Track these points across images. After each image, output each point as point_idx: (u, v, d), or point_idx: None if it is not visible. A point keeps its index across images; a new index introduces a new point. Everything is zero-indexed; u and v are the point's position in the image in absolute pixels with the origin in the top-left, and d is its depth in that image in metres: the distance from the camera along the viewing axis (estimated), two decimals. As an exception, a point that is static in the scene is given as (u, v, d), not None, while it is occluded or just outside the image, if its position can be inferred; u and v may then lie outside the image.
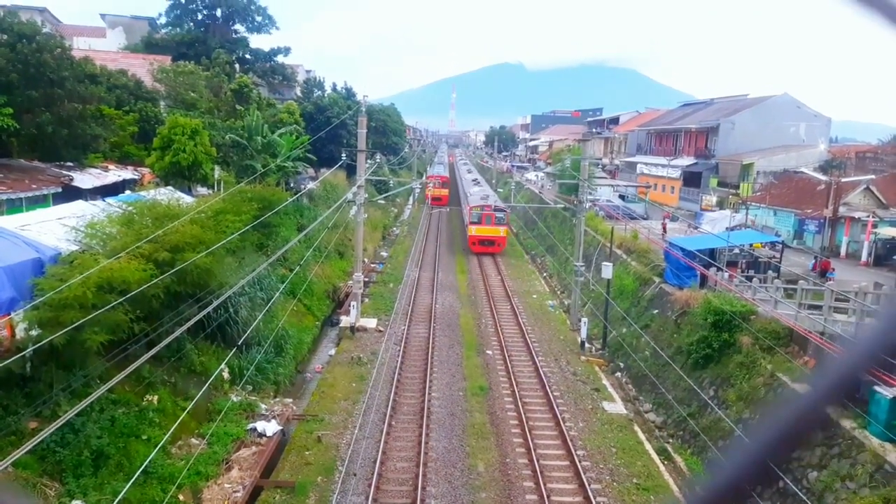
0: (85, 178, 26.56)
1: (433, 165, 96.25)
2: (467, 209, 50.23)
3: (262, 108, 40.48)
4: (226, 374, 19.90)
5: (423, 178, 74.57)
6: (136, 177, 30.31)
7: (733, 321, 19.58)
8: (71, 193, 24.28)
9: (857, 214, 33.44)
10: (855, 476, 13.16)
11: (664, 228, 35.10)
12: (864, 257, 31.47)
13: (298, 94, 63.91)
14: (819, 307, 20.16)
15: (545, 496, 15.63)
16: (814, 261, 29.60)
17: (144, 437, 14.93)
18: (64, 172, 26.28)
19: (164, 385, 17.20)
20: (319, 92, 62.80)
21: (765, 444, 0.58)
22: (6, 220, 17.21)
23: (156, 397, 16.43)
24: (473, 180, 67.07)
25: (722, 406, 18.25)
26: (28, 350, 12.30)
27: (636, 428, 19.91)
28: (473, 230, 46.53)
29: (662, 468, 17.53)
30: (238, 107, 38.70)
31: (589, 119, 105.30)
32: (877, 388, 13.70)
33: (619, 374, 24.85)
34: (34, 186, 23.55)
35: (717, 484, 0.60)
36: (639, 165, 65.24)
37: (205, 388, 15.58)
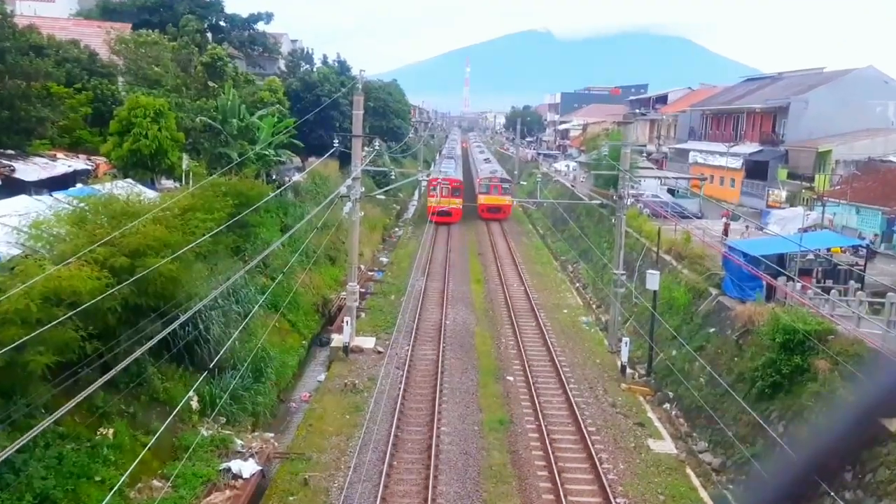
0: (28, 169, 26.81)
1: (439, 161, 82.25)
2: (477, 181, 70.10)
3: (238, 85, 40.76)
4: (194, 404, 19.96)
5: (429, 172, 72.27)
6: (90, 167, 30.56)
7: (807, 342, 19.39)
8: (12, 187, 24.51)
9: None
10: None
11: (726, 230, 34.76)
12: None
13: (282, 68, 64.39)
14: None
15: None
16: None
17: (97, 479, 14.98)
18: (3, 162, 26.55)
19: (120, 416, 17.27)
20: (307, 66, 63.23)
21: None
22: (-64, 218, 17.38)
23: (111, 431, 16.50)
24: (485, 159, 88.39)
25: (794, 445, 18.06)
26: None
27: (689, 471, 19.76)
28: (482, 199, 64.34)
29: (722, 520, 17.37)
30: (210, 84, 38.99)
31: (631, 98, 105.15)
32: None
33: (667, 405, 24.69)
34: (-31, 179, 23.81)
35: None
36: (691, 153, 64.99)
37: (169, 419, 15.63)
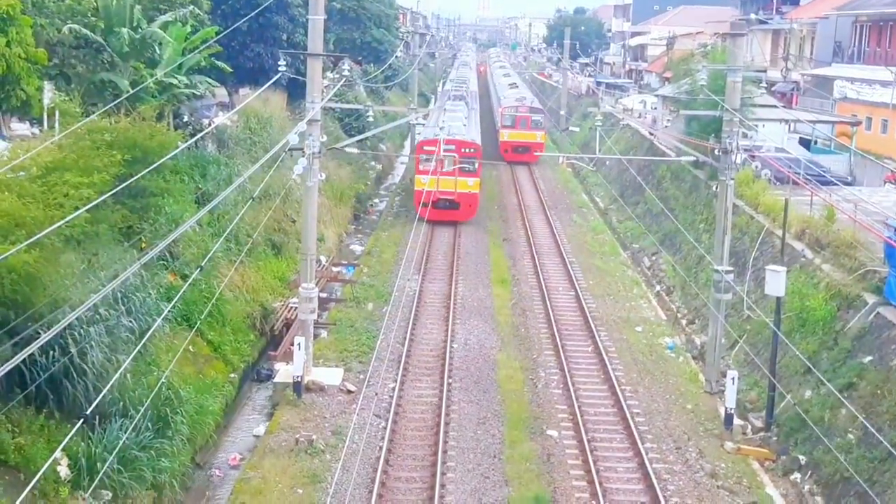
0: None
1: (439, 104, 74.30)
2: (500, 111, 77.72)
3: (131, -26, 40.69)
4: (63, 469, 20.05)
5: (426, 113, 70.92)
6: None
7: None
8: None
9: None
10: None
11: None
12: None
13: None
14: None
15: None
16: None
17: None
18: None
19: (-51, 488, 17.37)
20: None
21: None
22: None
23: (-66, 511, 16.60)
24: (510, 83, 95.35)
25: None
26: None
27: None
28: (506, 135, 71.70)
29: None
30: (87, -28, 38.91)
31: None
32: None
33: (797, 475, 24.71)
34: None
35: None
36: (837, 83, 64.68)
37: (24, 494, 15.69)
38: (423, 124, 58.78)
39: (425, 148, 49.68)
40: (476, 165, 51.21)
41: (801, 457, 25.19)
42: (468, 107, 70.54)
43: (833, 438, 23.94)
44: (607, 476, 23.69)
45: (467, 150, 50.60)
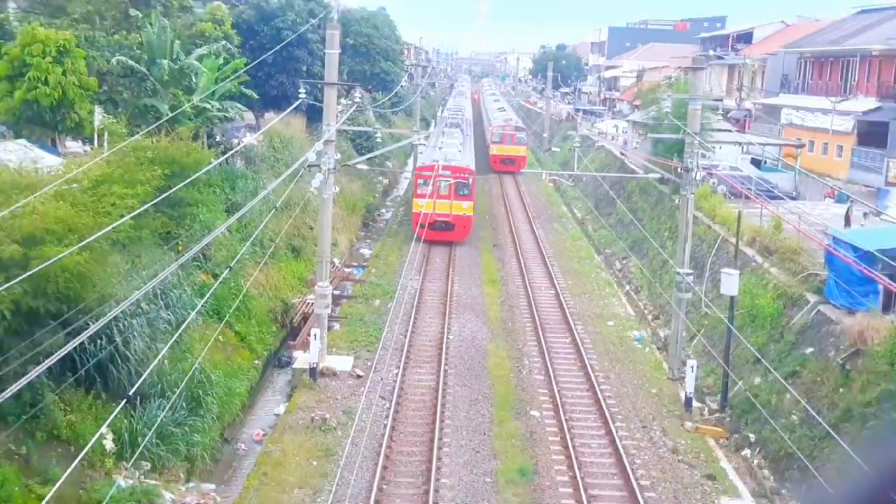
0: None
1: (437, 131, 68.98)
2: (489, 129, 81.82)
3: (171, 14, 40.67)
4: (109, 443, 20.03)
5: (427, 134, 68.89)
6: (-31, 123, 30.61)
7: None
8: None
9: None
10: None
11: (848, 220, 34.38)
12: None
13: (230, -9, 64.23)
14: None
15: None
16: None
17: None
18: None
19: (8, 458, 17.34)
20: (264, -12, 63.02)
21: None
22: None
23: (-4, 478, 16.57)
24: (499, 108, 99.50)
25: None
26: None
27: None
28: (495, 149, 75.16)
29: None
30: (133, 12, 38.89)
31: (703, 35, 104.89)
32: None
33: (747, 451, 24.70)
34: None
35: None
36: (784, 111, 64.75)
37: (75, 464, 15.66)
38: (424, 145, 57.57)
39: (423, 173, 47.19)
40: (470, 190, 48.15)
41: (751, 435, 25.20)
42: (463, 134, 66.90)
43: (779, 419, 23.95)
44: (582, 451, 23.70)
45: (462, 176, 47.52)
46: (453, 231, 46.68)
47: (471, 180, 47.73)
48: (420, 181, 47.19)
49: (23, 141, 26.69)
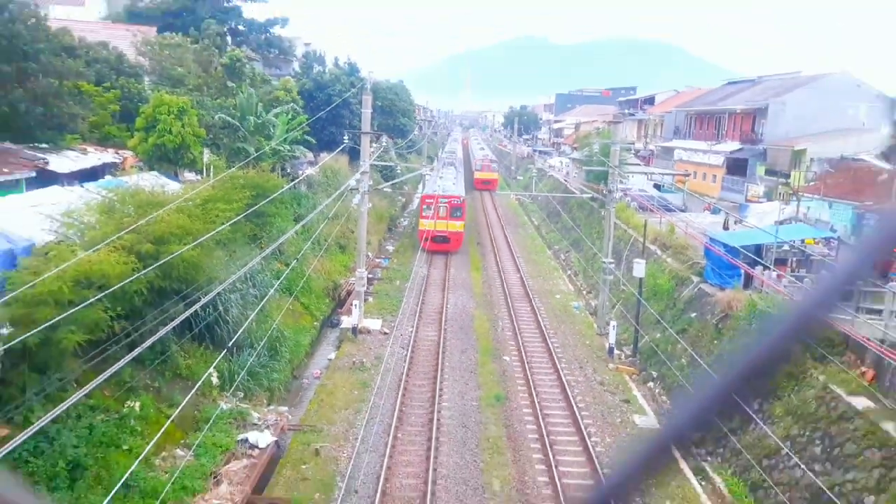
0: (61, 162, 26.80)
1: (437, 168, 66.77)
2: (474, 162, 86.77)
3: (255, 84, 40.65)
4: (214, 379, 20.05)
5: (431, 167, 68.11)
6: (118, 160, 30.55)
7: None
8: (46, 178, 24.50)
9: (923, 207, 32.99)
10: (917, 501, 13.03)
11: (726, 226, 34.31)
12: (931, 256, 31.05)
13: (296, 69, 64.10)
14: (879, 312, 19.93)
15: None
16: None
17: (125, 447, 15.09)
18: (38, 155, 26.53)
19: (146, 390, 17.36)
20: (319, 67, 62.96)
21: (733, 379, 0.66)
22: (-25, 206, 17.41)
23: (137, 403, 16.59)
24: (480, 148, 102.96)
25: (767, 421, 18.13)
26: (-2, 350, 12.45)
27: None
28: (477, 175, 78.61)
29: (699, 489, 17.46)
30: (229, 83, 38.86)
31: (620, 99, 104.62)
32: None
33: (651, 384, 24.77)
34: (6, 171, 23.80)
35: (688, 416, 0.68)
36: (676, 151, 64.78)
37: (191, 393, 15.71)
38: (430, 175, 56.74)
39: (427, 200, 45.36)
40: (462, 212, 45.32)
41: (653, 372, 25.27)
42: (456, 170, 64.22)
43: (673, 362, 24.01)
44: (538, 383, 23.78)
45: (455, 202, 44.83)
46: (449, 244, 44.30)
47: (462, 205, 45.49)
48: (425, 206, 45.09)
49: (154, 172, 26.66)
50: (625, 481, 0.69)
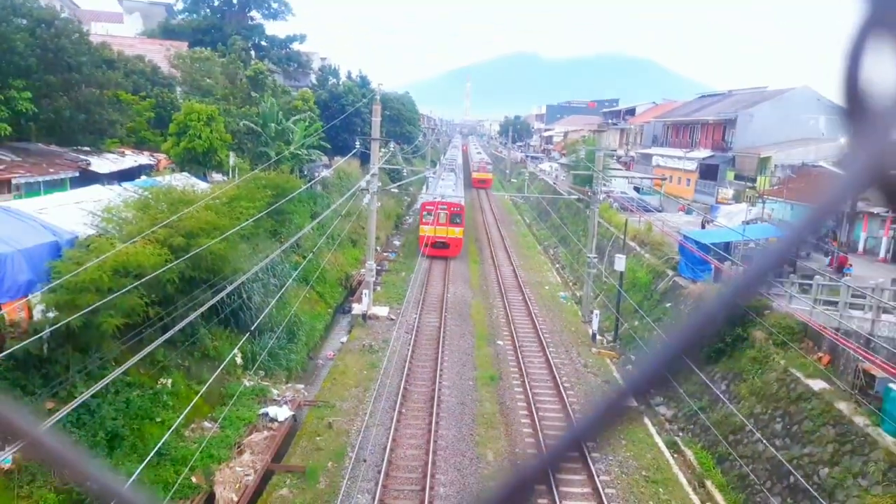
0: (102, 163, 26.77)
1: (438, 173, 61.45)
2: (472, 164, 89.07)
3: (276, 95, 40.49)
4: (238, 360, 20.08)
5: (434, 170, 65.76)
6: (152, 162, 30.52)
7: (747, 316, 19.42)
8: (88, 178, 24.48)
9: (875, 210, 32.95)
10: (867, 473, 13.05)
11: (703, 226, 34.21)
12: (882, 254, 31.03)
13: (313, 81, 63.89)
14: (835, 303, 19.94)
15: (554, 487, 15.65)
16: (830, 256, 29.23)
17: (158, 420, 15.14)
18: (81, 157, 26.51)
19: (177, 369, 17.40)
20: (334, 80, 62.71)
21: (680, 340, 0.68)
22: (25, 203, 17.42)
23: (170, 381, 16.64)
24: (477, 152, 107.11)
25: (733, 400, 18.15)
26: (45, 332, 12.48)
27: (646, 421, 19.87)
28: (475, 175, 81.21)
29: (672, 461, 17.50)
30: (253, 93, 38.72)
31: (605, 110, 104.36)
32: (892, 385, 13.55)
33: (630, 366, 24.76)
34: (52, 171, 23.78)
35: (643, 371, 0.70)
36: (654, 157, 64.67)
37: (217, 372, 15.75)
38: (432, 178, 54.70)
39: (427, 206, 41.54)
40: (461, 219, 41.47)
41: (632, 356, 25.27)
42: (457, 177, 58.97)
43: (649, 345, 24.02)
44: (528, 364, 23.78)
45: (455, 208, 41.16)
46: (449, 249, 40.60)
47: (462, 212, 41.86)
48: (425, 213, 41.18)
49: (185, 174, 26.61)
50: (587, 428, 0.71)
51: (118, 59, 31.79)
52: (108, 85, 27.82)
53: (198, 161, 28.59)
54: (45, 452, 0.74)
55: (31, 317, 13.68)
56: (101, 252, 13.46)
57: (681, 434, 19.45)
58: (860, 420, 13.87)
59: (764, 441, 15.92)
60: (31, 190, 21.93)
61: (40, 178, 22.82)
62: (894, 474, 12.57)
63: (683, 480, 16.59)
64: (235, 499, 14.38)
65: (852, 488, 13.10)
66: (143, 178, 26.05)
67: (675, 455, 17.96)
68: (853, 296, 19.94)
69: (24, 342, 11.17)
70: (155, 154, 31.53)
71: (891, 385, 13.54)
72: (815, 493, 13.41)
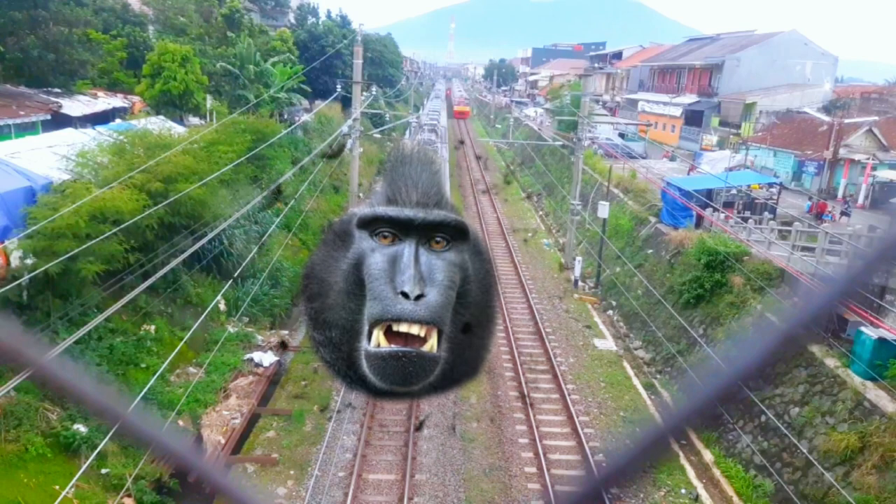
0: (74, 106, 25.98)
1: (427, 104, 60.91)
2: (455, 100, 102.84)
3: (254, 35, 39.16)
4: (222, 306, 20.11)
5: (418, 115, 64.46)
6: (126, 105, 29.66)
7: (726, 262, 19.76)
8: (60, 121, 23.79)
9: (856, 156, 33.22)
10: (835, 412, 13.63)
11: (690, 170, 34.27)
12: (860, 200, 31.48)
13: (292, 21, 61.89)
14: (812, 249, 20.32)
15: (534, 427, 16.17)
16: (810, 203, 29.60)
17: (143, 366, 15.23)
18: (52, 99, 25.67)
19: (160, 315, 17.40)
20: (314, 19, 60.75)
21: (741, 369, 0.63)
22: (-5, 147, 16.93)
23: (153, 327, 16.66)
24: (459, 93, 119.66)
25: (710, 344, 18.66)
26: (24, 278, 12.35)
27: (625, 364, 20.41)
28: (456, 108, 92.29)
29: (649, 402, 18.08)
30: (229, 33, 37.41)
31: (591, 53, 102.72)
32: (863, 328, 13.99)
33: (610, 312, 25.24)
34: (22, 113, 23.04)
35: (693, 404, 0.65)
36: (640, 103, 64.16)
37: (201, 318, 15.76)
38: (417, 119, 54.20)
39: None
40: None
41: (613, 302, 25.71)
42: (439, 137, 49.09)
43: (630, 292, 24.42)
44: (512, 310, 24.09)
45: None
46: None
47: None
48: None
49: (161, 117, 25.95)
50: (620, 472, 0.67)
51: (86, -5, 30.41)
52: (77, 23, 26.69)
53: (174, 104, 27.84)
54: (51, 379, 0.73)
55: (8, 263, 13.50)
56: (77, 198, 13.22)
57: (658, 377, 20.03)
58: (831, 362, 14.37)
59: (739, 382, 16.47)
60: (2, 133, 21.32)
61: (10, 122, 22.14)
62: (860, 413, 13.14)
63: (661, 421, 17.18)
64: (223, 441, 14.67)
65: (820, 426, 13.68)
66: (118, 121, 25.38)
67: (653, 396, 18.55)
68: (830, 242, 20.33)
69: (3, 289, 11.07)
70: (129, 96, 30.61)
71: (861, 328, 13.98)
72: (786, 431, 13.99)
